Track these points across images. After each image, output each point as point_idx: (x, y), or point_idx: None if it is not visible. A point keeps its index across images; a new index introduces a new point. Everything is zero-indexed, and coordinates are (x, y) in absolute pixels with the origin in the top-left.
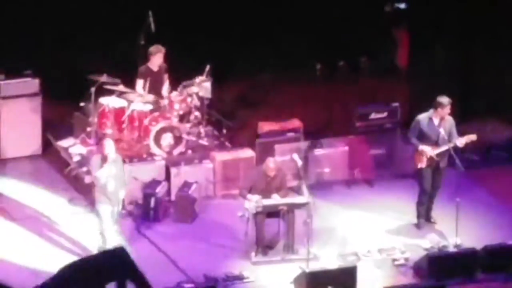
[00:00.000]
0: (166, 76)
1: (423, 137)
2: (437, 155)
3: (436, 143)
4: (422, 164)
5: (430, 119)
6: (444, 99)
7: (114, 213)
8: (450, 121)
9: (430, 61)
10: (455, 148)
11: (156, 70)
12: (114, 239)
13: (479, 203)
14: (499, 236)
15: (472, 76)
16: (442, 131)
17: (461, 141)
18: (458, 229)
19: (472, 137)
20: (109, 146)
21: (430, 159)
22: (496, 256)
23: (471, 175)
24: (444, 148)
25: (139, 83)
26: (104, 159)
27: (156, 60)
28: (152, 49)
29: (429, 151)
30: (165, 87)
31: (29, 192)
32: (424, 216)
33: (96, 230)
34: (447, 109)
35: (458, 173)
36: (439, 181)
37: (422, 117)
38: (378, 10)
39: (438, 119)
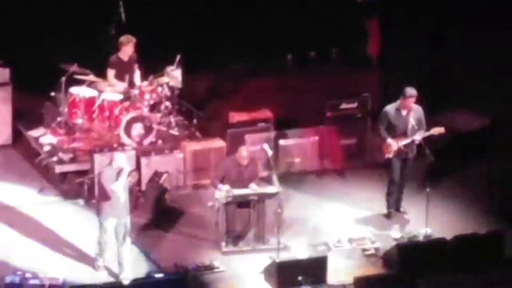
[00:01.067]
0: (136, 66)
1: (391, 128)
2: (405, 145)
3: (404, 133)
4: (390, 154)
5: (398, 109)
6: (407, 90)
7: (121, 225)
8: (418, 111)
9: (401, 52)
10: (425, 138)
11: (127, 60)
12: (125, 252)
13: (449, 193)
14: (469, 226)
15: (443, 67)
16: (411, 120)
17: (429, 133)
18: (428, 219)
19: (440, 129)
20: (122, 159)
21: (398, 149)
22: (465, 246)
23: (441, 165)
24: (411, 139)
25: (111, 72)
26: (118, 172)
27: (127, 50)
28: (123, 39)
29: (395, 144)
30: (137, 76)
31: None
32: (394, 206)
33: (95, 239)
34: (411, 100)
35: (428, 163)
36: (407, 170)
37: (390, 107)
38: (349, 1)
39: (406, 109)
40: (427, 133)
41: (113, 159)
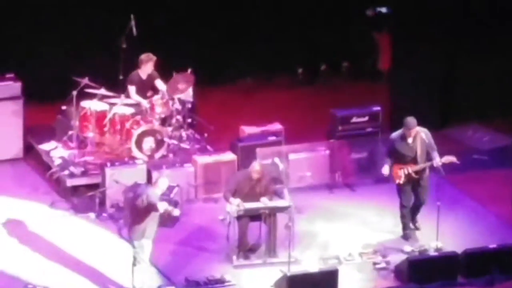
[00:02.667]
0: (158, 80)
1: (399, 156)
2: (416, 172)
3: (414, 160)
4: (400, 180)
5: (403, 137)
6: (408, 121)
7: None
8: (425, 134)
9: (412, 65)
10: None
11: (145, 78)
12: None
13: (460, 207)
14: (479, 240)
15: (455, 80)
16: (418, 149)
17: (439, 162)
18: (439, 233)
19: (452, 158)
20: (165, 184)
21: (408, 175)
22: (476, 260)
23: (452, 179)
24: (419, 167)
25: (132, 89)
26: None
27: (147, 68)
28: (143, 57)
29: (400, 171)
30: (160, 85)
31: (10, 195)
32: (410, 227)
33: (134, 262)
34: (413, 131)
35: (439, 177)
36: (423, 195)
37: (395, 136)
38: (360, 14)
39: (411, 137)
40: (438, 162)
41: (157, 183)
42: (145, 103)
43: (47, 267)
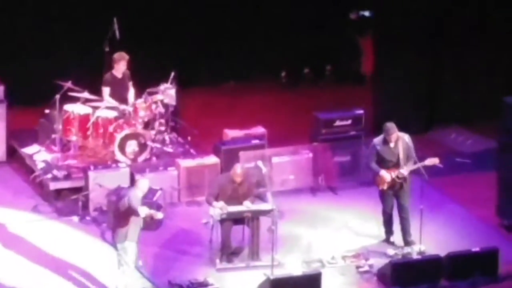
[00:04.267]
0: (130, 83)
1: (382, 160)
2: (398, 176)
3: (396, 165)
4: (384, 186)
5: (385, 141)
6: (387, 126)
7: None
8: (407, 138)
9: (395, 68)
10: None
11: (121, 77)
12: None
13: (443, 210)
14: (462, 243)
15: (438, 84)
16: (400, 152)
17: (423, 164)
18: (422, 236)
19: (435, 160)
20: (146, 186)
21: (392, 181)
22: (459, 263)
23: (435, 182)
24: (403, 171)
25: (106, 90)
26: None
27: (120, 67)
28: (116, 56)
29: (387, 175)
30: (131, 94)
31: None
32: (392, 232)
33: (118, 265)
34: (393, 136)
35: (422, 180)
36: (405, 199)
37: (377, 140)
38: (343, 18)
39: (393, 141)
40: (421, 164)
41: (138, 185)
42: (116, 105)
43: (30, 271)
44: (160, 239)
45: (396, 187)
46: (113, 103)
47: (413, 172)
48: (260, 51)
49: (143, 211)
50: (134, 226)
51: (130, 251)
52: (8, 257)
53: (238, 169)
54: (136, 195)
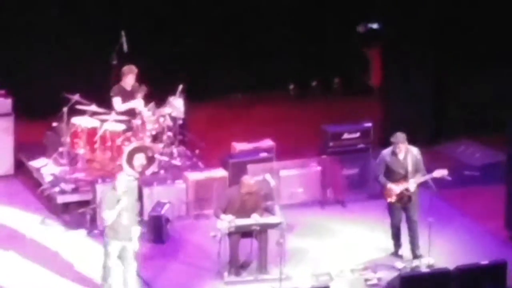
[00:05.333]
0: (139, 95)
1: (390, 173)
2: (407, 189)
3: (404, 177)
4: (392, 199)
5: (394, 153)
6: (396, 136)
7: (125, 249)
8: (416, 152)
9: (403, 81)
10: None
11: (129, 90)
12: (130, 277)
13: (452, 223)
14: (471, 256)
15: (446, 96)
16: (409, 165)
17: (431, 176)
18: (431, 249)
19: (443, 172)
20: (124, 180)
21: (400, 194)
22: (468, 276)
23: (444, 195)
24: (411, 185)
25: (117, 100)
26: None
27: (128, 80)
28: (124, 69)
29: (396, 188)
30: (140, 105)
31: (1, 212)
32: (400, 246)
33: (100, 264)
34: (401, 146)
35: (431, 193)
36: (413, 213)
37: (386, 152)
38: (351, 31)
39: (402, 153)
40: (429, 176)
41: (116, 181)
42: (133, 104)
43: (39, 284)
44: (168, 252)
45: (404, 200)
46: (127, 106)
47: (421, 185)
48: (268, 63)
49: (109, 217)
50: (114, 225)
51: (112, 250)
52: (15, 269)
53: (248, 180)
54: (112, 194)
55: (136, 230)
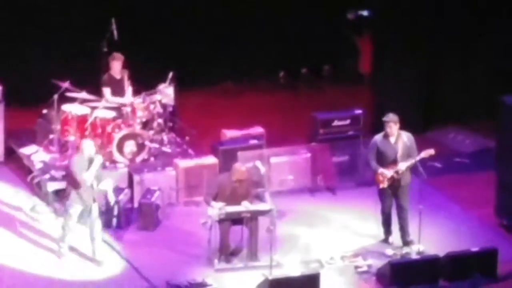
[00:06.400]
0: (128, 83)
1: (381, 157)
2: (397, 172)
3: (394, 161)
4: (384, 184)
5: (386, 137)
6: (387, 116)
7: (87, 211)
8: (407, 137)
9: (394, 68)
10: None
11: (119, 78)
12: (98, 230)
13: (442, 210)
14: (461, 243)
15: (436, 83)
16: (399, 149)
17: (419, 157)
18: (421, 236)
19: (430, 151)
20: (90, 146)
21: (391, 178)
22: (458, 263)
23: (434, 182)
24: (401, 166)
25: (106, 91)
26: (89, 160)
27: (115, 67)
28: (111, 56)
29: (388, 172)
30: (128, 94)
31: None
32: (390, 232)
33: (59, 225)
34: (391, 125)
35: (421, 180)
36: (404, 200)
37: (378, 136)
38: (341, 18)
39: (394, 136)
40: (418, 157)
41: (81, 148)
42: (122, 101)
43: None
44: (158, 239)
45: (395, 184)
46: (116, 101)
47: (411, 169)
48: (258, 51)
49: (88, 177)
50: (80, 190)
51: (74, 213)
52: (5, 253)
53: (240, 166)
54: (79, 161)
55: (108, 183)
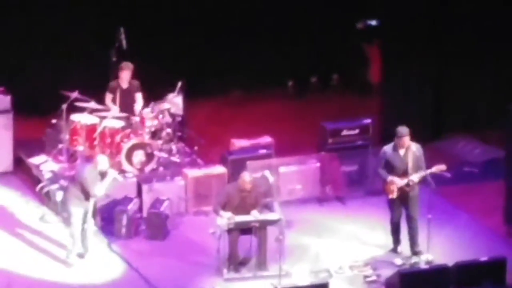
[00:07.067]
0: (139, 94)
1: (390, 168)
2: (407, 185)
3: (404, 173)
4: (393, 195)
5: (395, 149)
6: (399, 130)
7: (87, 211)
8: (417, 148)
9: (402, 77)
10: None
11: (126, 87)
12: (89, 232)
13: (451, 220)
14: (470, 252)
15: (446, 93)
16: (410, 161)
17: (430, 172)
18: (430, 246)
19: (441, 167)
20: (104, 161)
21: (401, 189)
22: (467, 273)
23: (443, 192)
24: (413, 178)
25: (108, 96)
26: (101, 174)
27: (124, 76)
28: (121, 65)
29: (399, 181)
30: (138, 105)
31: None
32: (399, 242)
33: (68, 233)
34: (405, 140)
35: (430, 189)
36: (413, 210)
37: (387, 147)
38: (349, 27)
39: (403, 148)
40: (428, 171)
41: (96, 161)
42: (114, 108)
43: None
44: (167, 249)
45: (404, 194)
46: (112, 107)
47: (421, 181)
48: (267, 60)
49: (99, 191)
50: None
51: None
52: (13, 265)
53: (247, 176)
54: (90, 171)
55: (113, 173)
